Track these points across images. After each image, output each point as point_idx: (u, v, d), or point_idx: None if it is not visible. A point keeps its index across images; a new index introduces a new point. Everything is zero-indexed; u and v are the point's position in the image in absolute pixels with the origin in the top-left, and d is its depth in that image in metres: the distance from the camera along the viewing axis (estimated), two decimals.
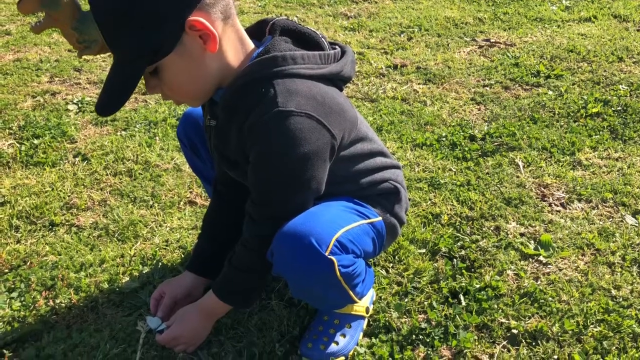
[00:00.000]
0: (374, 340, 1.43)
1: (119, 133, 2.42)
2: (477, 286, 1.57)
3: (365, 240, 1.33)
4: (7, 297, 1.56)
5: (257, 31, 1.29)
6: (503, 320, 1.49)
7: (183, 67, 1.15)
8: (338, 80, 1.29)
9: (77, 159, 2.23)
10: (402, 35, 3.49)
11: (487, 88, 2.76)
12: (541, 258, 1.69)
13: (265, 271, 1.29)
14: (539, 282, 1.61)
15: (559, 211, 1.90)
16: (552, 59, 3.04)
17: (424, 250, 1.72)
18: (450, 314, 1.50)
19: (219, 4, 1.13)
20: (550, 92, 2.68)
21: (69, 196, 2.00)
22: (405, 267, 1.66)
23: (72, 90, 2.84)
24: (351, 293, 1.32)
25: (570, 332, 1.45)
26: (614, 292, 1.56)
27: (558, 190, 1.99)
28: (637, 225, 1.82)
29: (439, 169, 2.13)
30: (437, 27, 3.59)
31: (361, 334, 1.45)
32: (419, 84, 2.84)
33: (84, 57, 2.75)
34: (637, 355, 1.38)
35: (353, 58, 1.32)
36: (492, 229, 1.81)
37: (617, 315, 1.48)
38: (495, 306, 1.52)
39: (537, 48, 3.19)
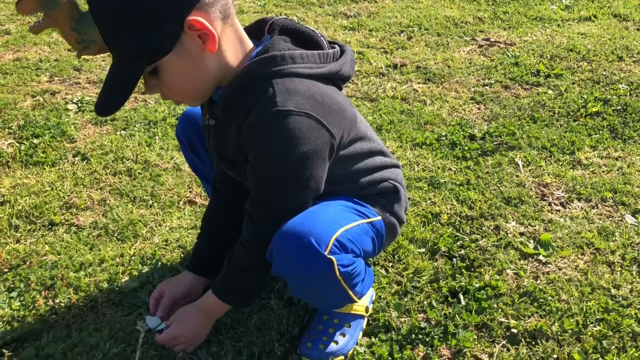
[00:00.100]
0: (373, 339, 1.43)
1: (118, 132, 2.42)
2: (477, 285, 1.57)
3: (365, 240, 1.33)
4: (6, 297, 1.56)
5: (256, 30, 1.29)
6: (502, 319, 1.49)
7: (182, 66, 1.15)
8: (337, 80, 1.29)
9: (76, 158, 2.23)
10: (401, 35, 3.49)
11: (487, 87, 2.76)
12: (541, 257, 1.69)
13: (264, 271, 1.29)
14: (538, 282, 1.61)
15: (558, 210, 1.90)
16: (552, 58, 3.04)
17: (423, 250, 1.72)
18: (449, 313, 1.50)
19: (217, 4, 1.13)
20: (550, 92, 2.68)
21: (68, 196, 2.00)
22: (405, 267, 1.66)
23: (72, 90, 2.84)
24: (350, 292, 1.32)
25: (569, 331, 1.45)
26: (613, 291, 1.56)
27: (558, 189, 1.99)
28: (636, 224, 1.82)
29: (438, 168, 2.13)
30: (437, 27, 3.59)
31: (361, 333, 1.45)
32: (418, 83, 2.84)
33: (83, 57, 2.75)
34: (636, 354, 1.38)
35: (352, 57, 1.31)
36: (491, 228, 1.81)
37: (617, 315, 1.48)
38: (495, 305, 1.52)
39: (537, 47, 3.18)
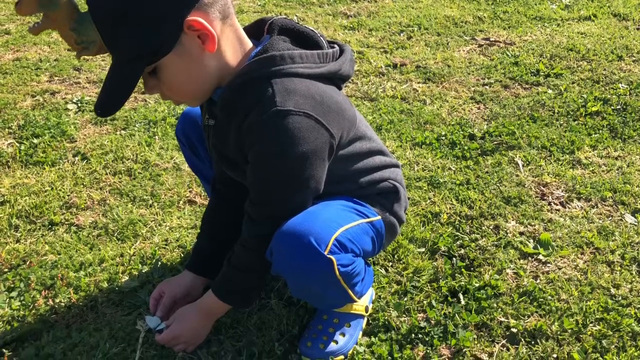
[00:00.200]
0: (373, 339, 1.43)
1: (118, 132, 2.42)
2: (477, 285, 1.57)
3: (365, 239, 1.33)
4: (6, 297, 1.57)
5: (255, 30, 1.29)
6: (502, 319, 1.49)
7: (182, 67, 1.15)
8: (337, 79, 1.28)
9: (76, 158, 2.23)
10: (401, 34, 3.49)
11: (487, 87, 2.76)
12: (540, 257, 1.69)
13: (264, 270, 1.29)
14: (538, 281, 1.61)
15: (558, 210, 1.90)
16: (551, 57, 3.04)
17: (423, 249, 1.72)
18: (449, 312, 1.50)
19: (217, 4, 1.13)
20: (549, 91, 2.68)
21: (68, 195, 2.00)
22: (405, 266, 1.66)
23: (72, 90, 2.84)
24: (350, 292, 1.32)
25: (569, 330, 1.45)
26: (613, 290, 1.56)
27: (557, 189, 1.99)
28: (636, 224, 1.82)
29: (438, 167, 2.13)
30: (437, 26, 3.58)
31: (360, 332, 1.45)
32: (418, 83, 2.84)
33: (82, 57, 2.75)
34: (636, 353, 1.38)
35: (352, 56, 1.31)
36: (491, 227, 1.81)
37: (617, 314, 1.48)
38: (495, 305, 1.52)
39: (537, 47, 3.18)
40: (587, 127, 2.36)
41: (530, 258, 1.70)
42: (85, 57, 3.26)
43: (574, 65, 2.93)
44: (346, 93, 2.72)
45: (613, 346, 1.40)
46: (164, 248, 1.75)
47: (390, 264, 1.67)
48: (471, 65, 3.01)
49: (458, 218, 1.86)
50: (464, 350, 1.41)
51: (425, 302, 1.54)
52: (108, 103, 1.15)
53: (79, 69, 3.07)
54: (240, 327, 1.47)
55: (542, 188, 2.00)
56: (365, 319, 1.48)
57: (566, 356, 1.38)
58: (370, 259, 1.65)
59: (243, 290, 1.34)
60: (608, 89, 2.67)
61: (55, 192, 2.02)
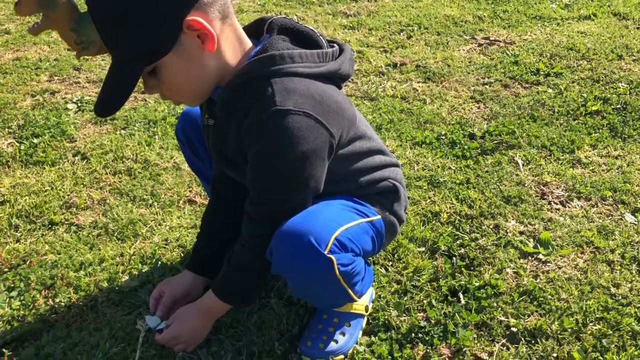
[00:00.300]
0: (373, 338, 1.43)
1: (118, 132, 2.42)
2: (477, 284, 1.57)
3: (365, 239, 1.33)
4: (6, 296, 1.57)
5: (255, 30, 1.29)
6: (502, 318, 1.49)
7: (182, 67, 1.15)
8: (337, 79, 1.28)
9: (76, 158, 2.23)
10: (401, 34, 3.49)
11: (487, 86, 2.76)
12: (540, 256, 1.69)
13: (264, 270, 1.29)
14: (538, 281, 1.61)
15: (558, 209, 1.90)
16: (551, 57, 3.04)
17: (423, 249, 1.72)
18: (449, 312, 1.50)
19: (216, 4, 1.13)
20: (549, 90, 2.68)
21: (68, 195, 2.00)
22: (405, 266, 1.66)
23: (72, 89, 2.84)
24: (350, 291, 1.32)
25: (569, 330, 1.45)
26: (613, 290, 1.56)
27: (557, 188, 1.99)
28: (636, 223, 1.82)
29: (438, 167, 2.13)
30: (437, 26, 3.58)
31: (360, 332, 1.45)
32: (418, 82, 2.84)
33: (82, 57, 2.75)
34: (636, 353, 1.38)
35: (351, 55, 1.31)
36: (491, 227, 1.81)
37: (617, 313, 1.48)
38: (495, 304, 1.52)
39: (537, 46, 3.18)
40: (587, 126, 2.36)
41: (530, 257, 1.70)
42: (85, 57, 3.26)
43: (574, 64, 2.93)
44: (346, 92, 2.72)
45: (613, 345, 1.40)
46: (164, 248, 1.75)
47: (390, 263, 1.67)
48: (471, 64, 3.01)
49: (458, 217, 1.86)
50: (464, 349, 1.41)
51: (425, 301, 1.54)
52: (108, 103, 1.15)
53: (79, 69, 3.07)
54: (240, 327, 1.47)
55: (542, 187, 2.00)
56: (365, 318, 1.48)
57: (566, 355, 1.38)
58: (370, 258, 1.65)
59: (243, 290, 1.34)
60: (608, 88, 2.67)
61: (55, 192, 2.02)
